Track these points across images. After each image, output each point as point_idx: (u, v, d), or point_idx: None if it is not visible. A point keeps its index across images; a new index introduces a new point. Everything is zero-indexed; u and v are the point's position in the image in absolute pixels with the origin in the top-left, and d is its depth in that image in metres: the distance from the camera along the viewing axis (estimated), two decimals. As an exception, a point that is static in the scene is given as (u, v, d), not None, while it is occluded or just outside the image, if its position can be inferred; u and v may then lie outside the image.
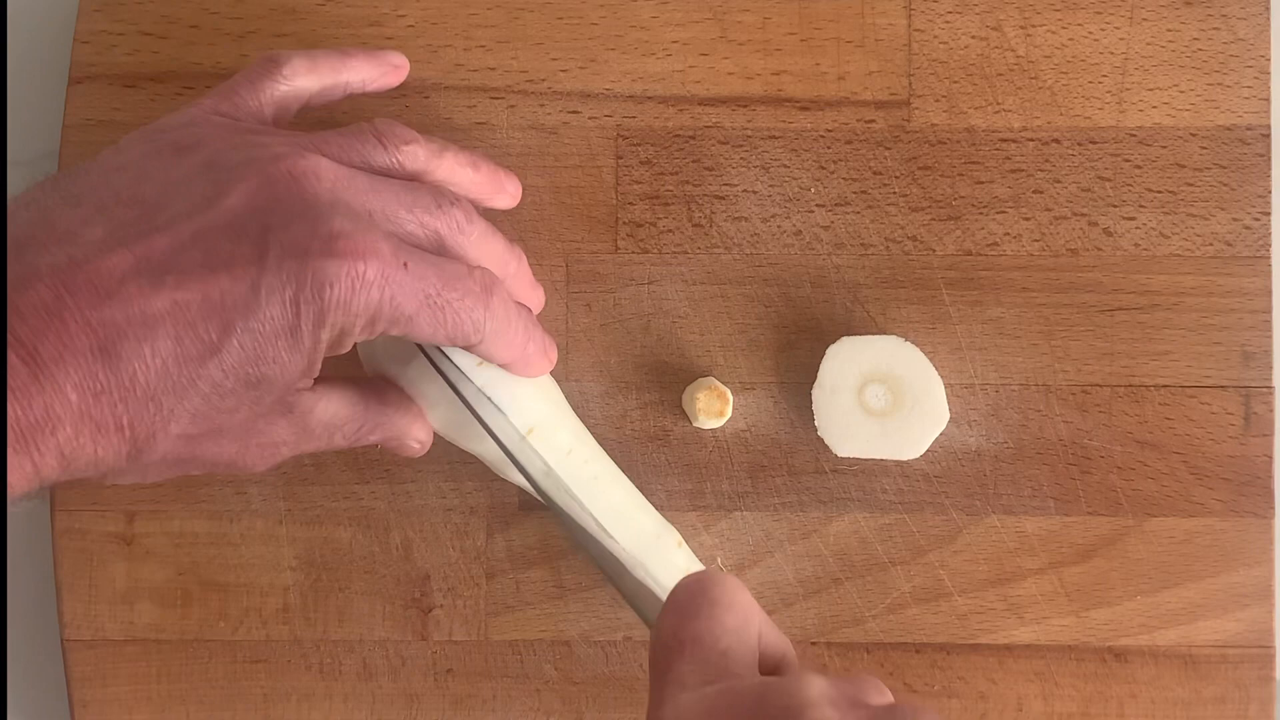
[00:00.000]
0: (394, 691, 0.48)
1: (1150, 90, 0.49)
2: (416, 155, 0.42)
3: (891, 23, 0.50)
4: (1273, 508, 0.48)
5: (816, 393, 0.47)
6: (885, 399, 0.47)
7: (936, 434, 0.47)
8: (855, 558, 0.48)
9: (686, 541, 0.48)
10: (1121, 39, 0.50)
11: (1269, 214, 0.49)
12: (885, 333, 0.48)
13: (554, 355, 0.45)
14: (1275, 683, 0.48)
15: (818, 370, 0.47)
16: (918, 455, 0.47)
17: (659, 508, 0.48)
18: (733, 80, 0.50)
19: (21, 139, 0.52)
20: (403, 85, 0.50)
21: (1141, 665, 0.48)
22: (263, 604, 0.49)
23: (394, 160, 0.41)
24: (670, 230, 0.49)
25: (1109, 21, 0.50)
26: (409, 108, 0.50)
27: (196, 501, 0.49)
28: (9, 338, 0.33)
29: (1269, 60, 0.49)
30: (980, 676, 0.48)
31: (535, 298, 0.47)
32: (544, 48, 0.50)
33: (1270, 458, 0.48)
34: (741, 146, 0.49)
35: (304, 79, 0.43)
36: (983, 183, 0.49)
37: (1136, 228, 0.49)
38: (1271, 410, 0.48)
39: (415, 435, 0.45)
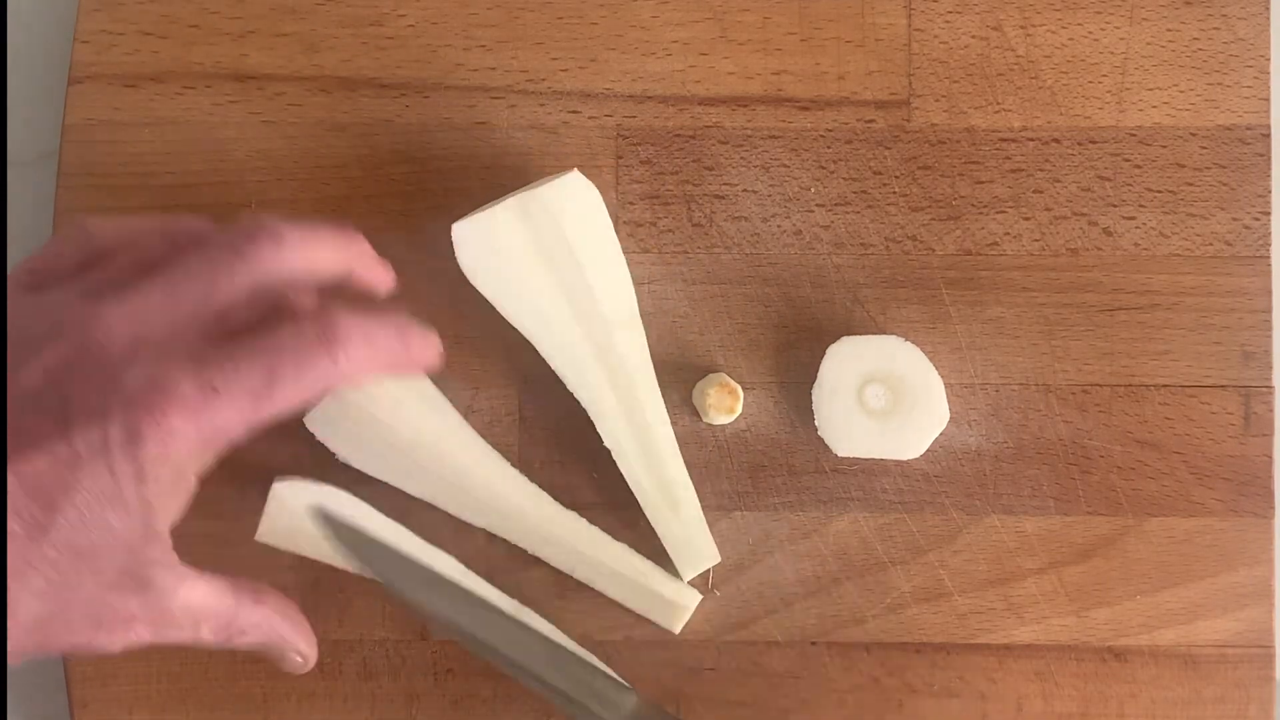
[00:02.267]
0: (394, 691, 0.48)
1: (1150, 90, 0.49)
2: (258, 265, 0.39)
3: (891, 23, 0.50)
4: (1273, 508, 0.48)
5: (816, 393, 0.47)
6: (885, 399, 0.47)
7: (936, 434, 0.47)
8: (855, 558, 0.48)
9: (686, 541, 0.48)
10: (1121, 39, 0.50)
11: (1269, 214, 0.49)
12: (885, 333, 0.48)
13: (435, 342, 0.42)
14: (1275, 683, 0.48)
15: (818, 370, 0.47)
16: (918, 455, 0.47)
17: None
18: (733, 80, 0.50)
19: (21, 139, 0.52)
20: (403, 85, 0.50)
21: (1141, 665, 0.48)
22: (263, 604, 0.49)
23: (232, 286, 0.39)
24: (670, 230, 0.49)
25: (1109, 21, 0.50)
26: (409, 107, 0.50)
27: (196, 501, 0.49)
28: None
29: (1269, 60, 0.49)
30: (980, 676, 0.48)
31: (382, 276, 0.43)
32: (544, 48, 0.50)
33: (1270, 458, 0.48)
34: (741, 146, 0.49)
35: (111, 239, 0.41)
36: (983, 183, 0.49)
37: (1136, 227, 0.49)
38: (1271, 410, 0.48)
39: (296, 647, 0.43)
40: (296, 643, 0.43)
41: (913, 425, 0.47)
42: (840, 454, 0.47)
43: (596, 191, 0.47)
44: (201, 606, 0.40)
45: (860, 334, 0.48)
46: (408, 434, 0.47)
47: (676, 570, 0.48)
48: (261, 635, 0.42)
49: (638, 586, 0.48)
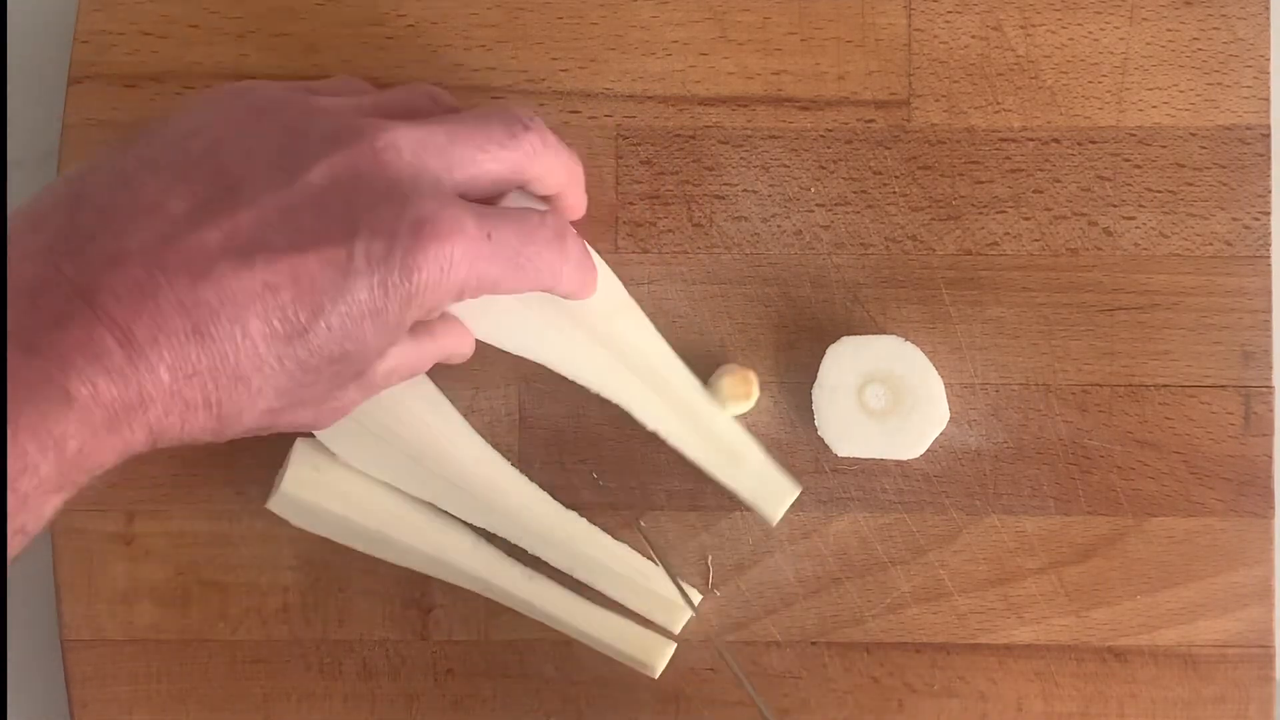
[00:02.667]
0: (394, 691, 0.48)
1: (1150, 90, 0.49)
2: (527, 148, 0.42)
3: (891, 23, 0.50)
4: (1273, 508, 0.48)
5: (816, 393, 0.47)
6: (885, 399, 0.47)
7: (936, 434, 0.47)
8: (855, 558, 0.48)
9: (687, 541, 0.48)
10: (1121, 39, 0.50)
11: (1269, 214, 0.49)
12: (885, 333, 0.48)
13: (597, 278, 0.46)
14: (1275, 683, 0.48)
15: (818, 370, 0.47)
16: (918, 455, 0.47)
17: (659, 507, 0.48)
18: (733, 80, 0.50)
19: (21, 139, 0.52)
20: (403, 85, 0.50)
21: (1141, 665, 0.48)
22: (263, 604, 0.49)
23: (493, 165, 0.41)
24: (670, 230, 0.49)
25: (1109, 21, 0.50)
26: (409, 108, 0.50)
27: (196, 501, 0.49)
28: (104, 315, 0.33)
29: (1269, 60, 0.49)
30: (980, 676, 0.48)
31: (583, 203, 0.47)
32: (544, 48, 0.50)
33: (1270, 458, 0.48)
34: (741, 146, 0.49)
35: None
36: (983, 182, 0.49)
37: (1136, 227, 0.49)
38: (1271, 410, 0.48)
39: (461, 353, 0.45)
40: (460, 349, 0.45)
41: (913, 425, 0.47)
42: (840, 454, 0.47)
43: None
44: (398, 368, 0.42)
45: (860, 334, 0.48)
46: (408, 434, 0.47)
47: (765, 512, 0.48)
48: (437, 359, 0.44)
49: (638, 586, 0.48)
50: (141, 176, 0.36)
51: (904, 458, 0.47)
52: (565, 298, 0.44)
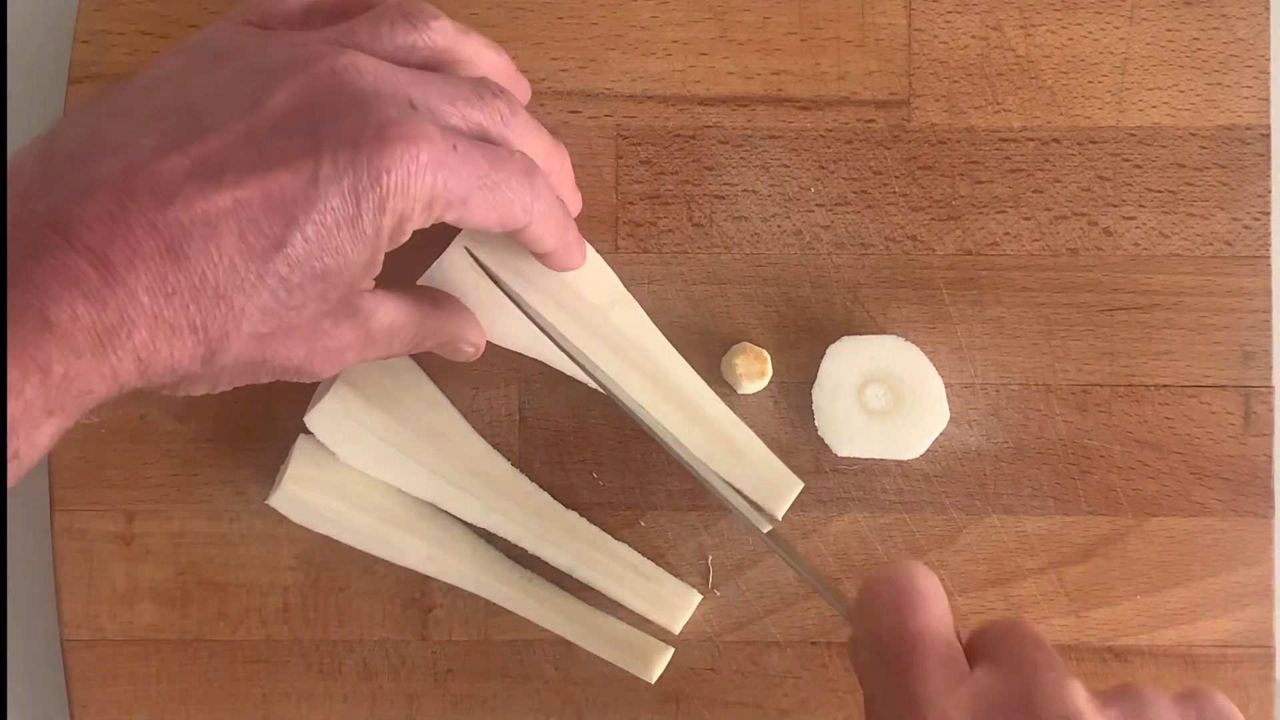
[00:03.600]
0: (394, 691, 0.48)
1: (1150, 90, 0.49)
2: (445, 30, 0.42)
3: (891, 23, 0.50)
4: (1273, 507, 0.48)
5: (816, 393, 0.47)
6: (885, 399, 0.47)
7: (936, 434, 0.47)
8: (855, 558, 0.48)
9: (687, 541, 0.48)
10: (1121, 39, 0.50)
11: (1269, 214, 0.49)
12: (885, 332, 0.48)
13: (585, 250, 0.46)
14: (1275, 683, 0.48)
15: (818, 370, 0.47)
16: (918, 455, 0.47)
17: (659, 508, 0.48)
18: (733, 80, 0.50)
19: (22, 139, 0.52)
20: (403, 85, 0.50)
21: (1141, 665, 0.48)
22: (263, 604, 0.49)
23: (424, 39, 0.41)
24: (670, 230, 0.49)
25: (1109, 21, 0.50)
26: (409, 108, 0.50)
27: (196, 501, 0.49)
28: (77, 243, 0.34)
29: (1269, 60, 0.49)
30: (980, 676, 0.48)
31: (575, 200, 0.47)
32: (544, 48, 0.50)
33: (1270, 457, 0.48)
34: (741, 146, 0.49)
35: None
36: (983, 183, 0.49)
37: (1136, 227, 0.49)
38: (1271, 410, 0.48)
39: (470, 339, 0.45)
40: (471, 336, 0.45)
41: (913, 425, 0.47)
42: (840, 454, 0.47)
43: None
44: (395, 323, 0.42)
45: (860, 334, 0.48)
46: (408, 434, 0.47)
47: (759, 507, 0.47)
48: (442, 336, 0.44)
49: (638, 586, 0.48)
50: (109, 123, 0.37)
51: (904, 458, 0.47)
52: (548, 260, 0.44)
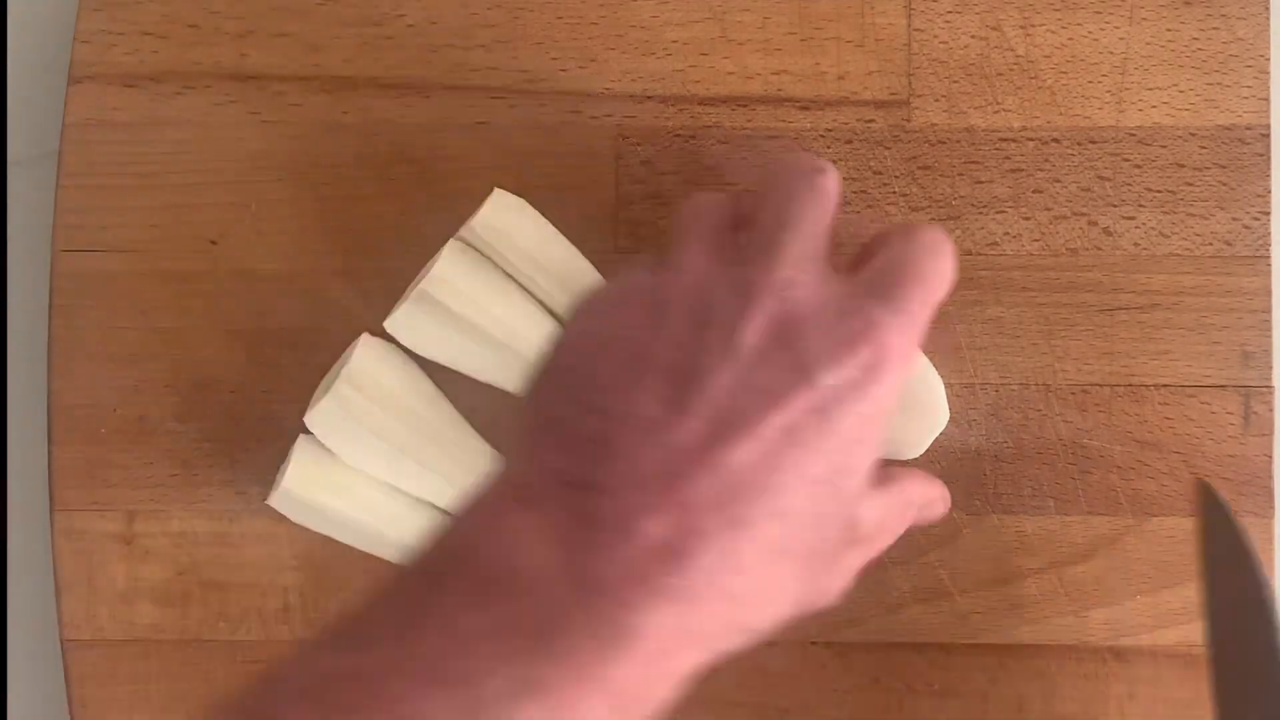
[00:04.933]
0: (394, 691, 0.48)
1: (1150, 90, 0.49)
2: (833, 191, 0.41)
3: (891, 23, 0.50)
4: (1273, 508, 0.48)
5: None
6: None
7: (936, 434, 0.47)
8: (855, 558, 0.48)
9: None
10: (1121, 39, 0.50)
11: (1269, 214, 0.49)
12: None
13: None
14: (1275, 682, 0.48)
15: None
16: (917, 455, 0.47)
17: (659, 508, 0.48)
18: (733, 80, 0.50)
19: (21, 139, 0.52)
20: (403, 85, 0.50)
21: (1141, 665, 0.48)
22: (263, 604, 0.49)
23: (825, 208, 0.41)
24: (670, 230, 0.49)
25: (1109, 21, 0.50)
26: (409, 107, 0.50)
27: (196, 501, 0.49)
28: (642, 540, 0.33)
29: (1269, 60, 0.49)
30: (980, 676, 0.48)
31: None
32: (544, 47, 0.50)
33: (1270, 458, 0.48)
34: (741, 146, 0.49)
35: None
36: (983, 183, 0.49)
37: (1136, 227, 0.49)
38: (1271, 410, 0.48)
39: (940, 499, 0.45)
40: (937, 497, 0.44)
41: (913, 425, 0.47)
42: None
43: (520, 200, 0.47)
44: (883, 519, 0.40)
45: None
46: (408, 434, 0.47)
47: None
48: (916, 515, 0.43)
49: None
50: (604, 401, 0.36)
51: (904, 458, 0.47)
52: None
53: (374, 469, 0.47)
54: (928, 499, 0.44)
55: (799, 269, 0.38)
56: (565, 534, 0.33)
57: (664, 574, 0.33)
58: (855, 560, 0.40)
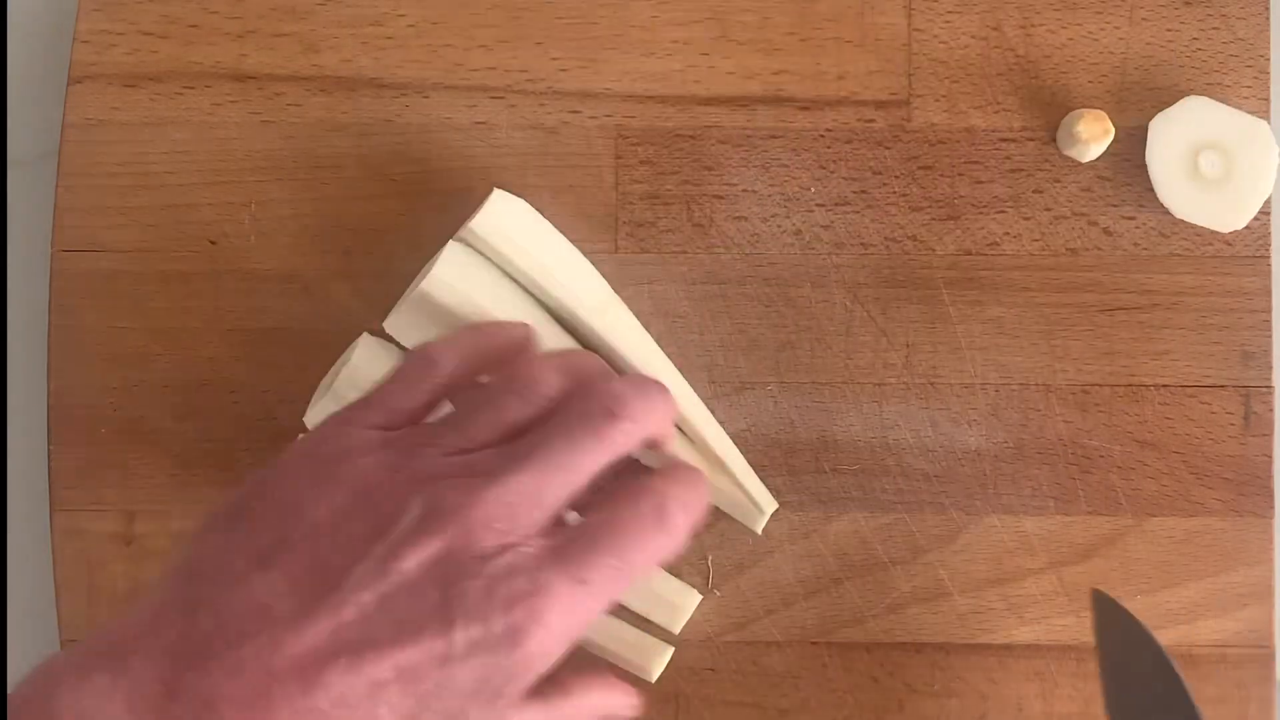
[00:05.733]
0: (394, 691, 0.48)
1: (1150, 90, 0.49)
2: (551, 383, 0.40)
3: (891, 23, 0.50)
4: (1273, 508, 0.48)
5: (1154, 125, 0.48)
6: (1219, 166, 0.48)
7: (1257, 209, 0.48)
8: (855, 558, 0.48)
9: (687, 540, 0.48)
10: (1121, 39, 0.50)
11: (1269, 214, 0.49)
12: (887, 332, 0.48)
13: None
14: (1275, 683, 0.48)
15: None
16: (1239, 228, 0.48)
17: (659, 508, 0.48)
18: (733, 80, 0.50)
19: (21, 139, 0.52)
20: (403, 85, 0.50)
21: (1141, 665, 0.48)
22: (263, 604, 0.48)
23: (533, 406, 0.40)
24: (670, 230, 0.49)
25: (1109, 21, 0.50)
26: (409, 107, 0.50)
27: (196, 501, 0.49)
28: None
29: (1269, 60, 0.49)
30: (980, 676, 0.48)
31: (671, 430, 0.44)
32: (544, 48, 0.50)
33: (1270, 457, 0.48)
34: (741, 146, 0.49)
35: (455, 368, 0.42)
36: (983, 182, 0.49)
37: (1136, 227, 0.49)
38: (1271, 410, 0.48)
39: (623, 707, 0.43)
40: (619, 704, 0.43)
41: (1240, 197, 0.47)
42: (1177, 215, 0.48)
43: (520, 200, 0.47)
44: None
45: (860, 334, 0.48)
46: None
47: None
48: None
49: (637, 586, 0.47)
50: (249, 576, 0.36)
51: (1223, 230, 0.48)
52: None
53: None
54: (604, 712, 0.42)
55: (516, 509, 0.37)
56: (149, 706, 0.34)
57: None
58: None
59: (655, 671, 0.47)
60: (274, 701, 0.34)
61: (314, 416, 0.46)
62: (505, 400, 0.40)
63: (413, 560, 0.36)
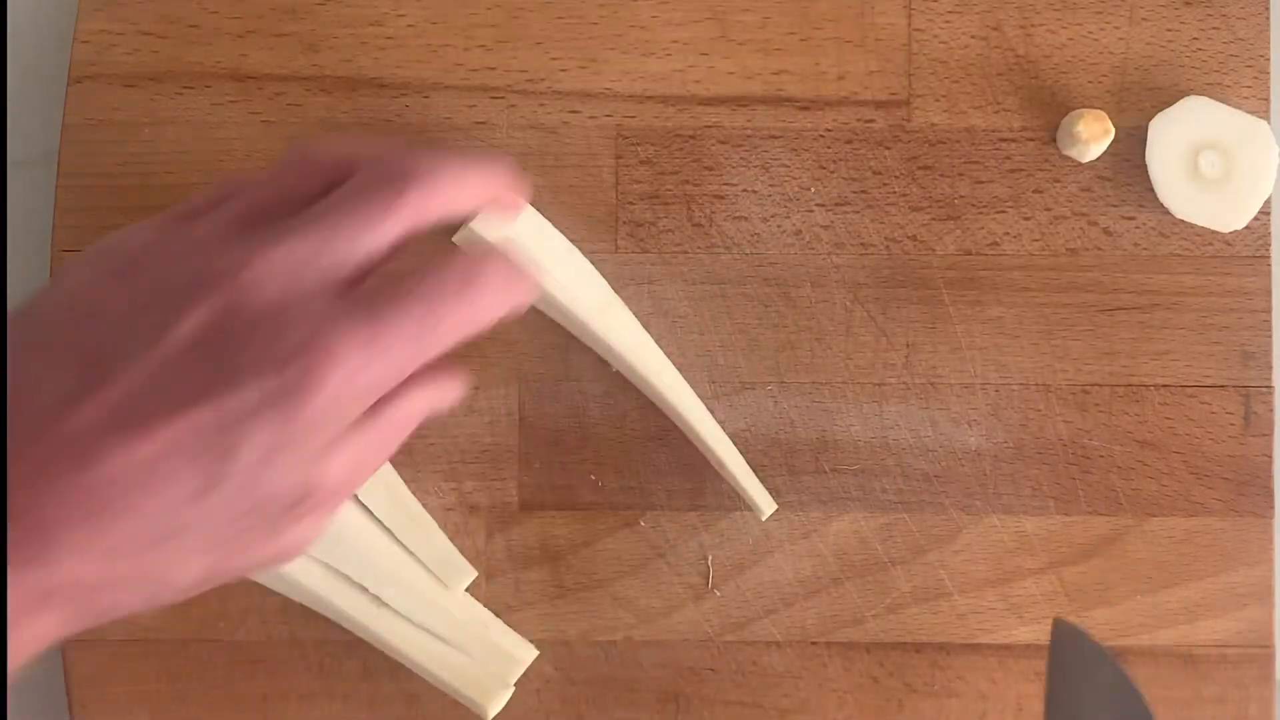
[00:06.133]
0: (394, 692, 0.48)
1: (1150, 90, 0.49)
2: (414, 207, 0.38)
3: (891, 22, 0.50)
4: (1273, 508, 0.48)
5: (1152, 149, 0.48)
6: (1219, 166, 0.47)
7: (1257, 209, 0.48)
8: (855, 558, 0.48)
9: (687, 541, 0.48)
10: (1121, 39, 0.50)
11: (1269, 214, 0.49)
12: (886, 333, 0.48)
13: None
14: (1275, 683, 0.48)
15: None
16: (1238, 228, 0.48)
17: (659, 507, 0.48)
18: (733, 80, 0.50)
19: (21, 139, 0.52)
20: (403, 85, 0.50)
21: (1141, 665, 0.48)
22: (263, 604, 0.49)
23: (385, 233, 0.38)
24: (670, 230, 0.49)
25: (1109, 21, 0.50)
26: (409, 107, 0.50)
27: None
28: (9, 505, 0.33)
29: (1269, 60, 0.49)
30: (980, 676, 0.48)
31: (520, 198, 0.43)
32: (544, 48, 0.50)
33: (1270, 457, 0.48)
34: (741, 146, 0.49)
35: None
36: (983, 183, 0.49)
37: (1136, 228, 0.49)
38: (1271, 410, 0.48)
39: (442, 400, 0.41)
40: (444, 392, 0.41)
41: (1240, 197, 0.47)
42: (1177, 215, 0.48)
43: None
44: (349, 472, 0.38)
45: (860, 334, 0.48)
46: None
47: None
48: (395, 443, 0.40)
49: (477, 637, 0.47)
50: (24, 358, 0.35)
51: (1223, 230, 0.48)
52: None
53: None
54: (434, 397, 0.40)
55: (295, 271, 0.36)
56: None
57: (19, 547, 0.33)
58: (311, 521, 0.38)
59: (491, 711, 0.47)
60: (51, 480, 0.33)
61: None
62: (284, 174, 0.39)
63: (188, 325, 0.35)
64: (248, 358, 0.35)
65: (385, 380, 0.37)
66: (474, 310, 0.38)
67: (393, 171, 0.38)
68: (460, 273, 0.38)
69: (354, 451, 0.38)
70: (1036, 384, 0.49)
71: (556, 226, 0.47)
